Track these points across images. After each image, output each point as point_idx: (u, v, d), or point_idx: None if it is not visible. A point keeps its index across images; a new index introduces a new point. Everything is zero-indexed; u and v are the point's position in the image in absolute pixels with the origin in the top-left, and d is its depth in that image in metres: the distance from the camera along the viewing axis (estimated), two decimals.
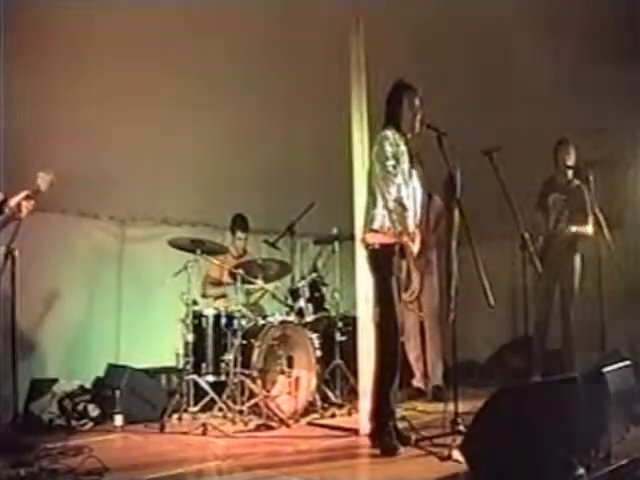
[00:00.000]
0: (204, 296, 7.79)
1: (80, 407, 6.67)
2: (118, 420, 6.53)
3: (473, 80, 7.49)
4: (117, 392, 6.67)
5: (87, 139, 6.93)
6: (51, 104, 6.42)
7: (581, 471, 4.11)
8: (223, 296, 7.62)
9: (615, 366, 4.72)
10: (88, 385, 7.05)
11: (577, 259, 7.23)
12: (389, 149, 5.19)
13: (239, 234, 8.05)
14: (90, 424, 6.59)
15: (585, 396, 4.34)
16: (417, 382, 7.58)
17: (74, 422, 6.58)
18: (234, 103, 7.35)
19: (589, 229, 7.04)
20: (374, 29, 5.99)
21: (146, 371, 7.23)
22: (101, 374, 7.14)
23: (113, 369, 7.14)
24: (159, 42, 6.57)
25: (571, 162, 7.22)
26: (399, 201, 5.13)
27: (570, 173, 7.31)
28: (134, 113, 7.02)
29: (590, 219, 7.02)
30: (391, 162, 5.16)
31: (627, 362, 4.96)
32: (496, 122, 7.51)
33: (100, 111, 6.83)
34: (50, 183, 5.59)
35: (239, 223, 8.07)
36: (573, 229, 7.11)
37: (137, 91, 6.91)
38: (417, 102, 5.37)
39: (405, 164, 5.26)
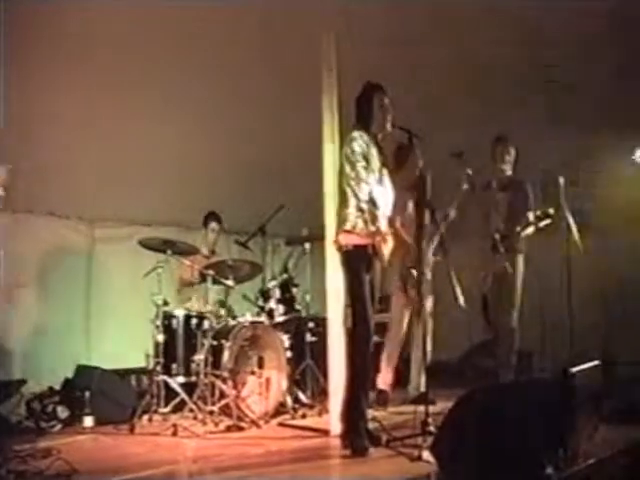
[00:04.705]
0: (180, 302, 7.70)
1: (49, 409, 6.64)
2: (88, 421, 6.51)
3: (445, 80, 7.51)
4: (87, 393, 6.65)
5: (56, 139, 6.90)
6: (22, 101, 6.36)
7: (550, 470, 4.14)
8: (193, 297, 7.58)
9: (584, 366, 4.75)
10: (57, 386, 6.99)
11: (520, 260, 7.13)
12: (358, 150, 5.20)
13: (213, 225, 8.04)
14: (59, 426, 6.56)
15: (554, 396, 4.37)
16: (383, 384, 7.24)
17: (43, 424, 6.54)
18: (205, 103, 7.33)
19: (531, 228, 7.03)
20: (346, 30, 6.00)
21: (116, 372, 7.20)
22: (70, 375, 7.09)
23: (83, 370, 7.09)
24: (136, 40, 6.53)
25: (510, 159, 7.19)
26: (371, 202, 5.15)
27: (510, 170, 7.28)
28: (103, 113, 6.98)
29: (531, 216, 7.01)
30: (361, 163, 5.17)
31: (595, 362, 5.00)
32: (467, 123, 7.55)
33: (70, 111, 6.79)
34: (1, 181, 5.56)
35: (212, 217, 8.07)
36: (517, 228, 7.07)
37: (107, 89, 6.86)
38: (387, 102, 5.39)
39: (376, 164, 5.28)
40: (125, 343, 7.68)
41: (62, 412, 6.64)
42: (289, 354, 7.03)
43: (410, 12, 6.54)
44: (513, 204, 7.16)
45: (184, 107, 7.25)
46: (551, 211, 6.64)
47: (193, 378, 6.70)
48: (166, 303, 6.91)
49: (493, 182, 7.28)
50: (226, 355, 6.54)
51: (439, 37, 6.89)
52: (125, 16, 6.22)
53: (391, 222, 5.51)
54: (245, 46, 6.86)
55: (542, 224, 6.84)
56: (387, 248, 5.27)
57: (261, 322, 7.02)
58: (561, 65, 6.95)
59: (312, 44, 5.93)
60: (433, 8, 6.49)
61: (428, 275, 7.15)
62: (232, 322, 6.93)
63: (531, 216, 6.94)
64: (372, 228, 5.15)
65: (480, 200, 7.19)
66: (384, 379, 7.25)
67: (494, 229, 6.97)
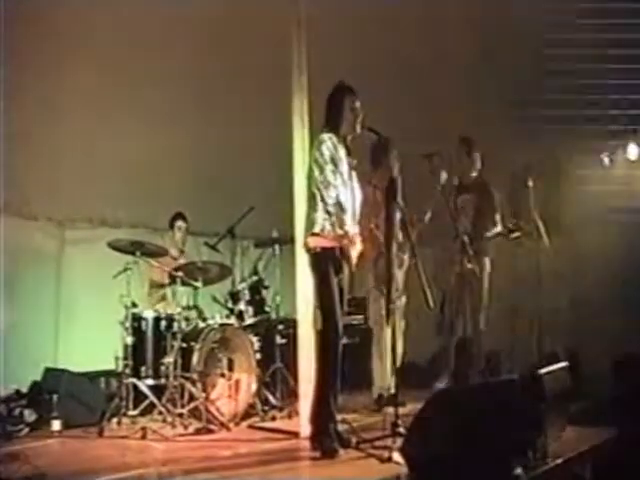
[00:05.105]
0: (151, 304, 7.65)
1: (16, 412, 6.57)
2: (56, 425, 6.43)
3: (414, 82, 7.54)
4: (55, 396, 6.57)
5: (24, 139, 6.83)
6: None
7: (519, 471, 4.17)
8: (163, 299, 7.56)
9: (552, 368, 4.79)
10: (24, 389, 6.93)
11: (487, 262, 7.18)
12: (327, 153, 5.19)
13: (179, 223, 8.02)
14: (26, 430, 6.48)
15: (522, 397, 4.40)
16: (379, 390, 7.04)
17: (9, 428, 6.45)
18: (174, 103, 7.31)
19: (498, 228, 7.05)
20: (316, 30, 5.99)
21: (85, 375, 7.14)
22: (38, 378, 7.01)
23: (51, 373, 7.01)
24: (94, 39, 6.50)
25: (475, 160, 7.23)
26: (339, 205, 5.15)
27: (475, 172, 7.32)
28: (72, 113, 6.94)
29: (498, 217, 7.03)
30: (330, 166, 5.17)
31: (563, 364, 5.04)
32: (435, 123, 7.57)
33: (38, 111, 6.74)
34: None
35: (178, 216, 8.05)
36: (487, 234, 7.08)
37: (74, 92, 6.83)
38: (357, 104, 5.37)
39: (344, 167, 5.28)
40: (94, 345, 7.61)
41: (29, 415, 6.57)
42: (259, 356, 7.01)
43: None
44: (479, 205, 7.20)
45: (154, 110, 7.23)
46: (522, 224, 6.69)
47: (162, 381, 6.66)
48: (135, 305, 6.86)
49: (458, 183, 7.32)
50: (195, 357, 6.52)
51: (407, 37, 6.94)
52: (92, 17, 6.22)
53: (366, 223, 5.51)
54: (215, 47, 6.85)
55: (512, 236, 6.90)
56: (355, 251, 5.29)
57: (231, 324, 7.01)
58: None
59: (284, 44, 5.91)
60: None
61: (400, 276, 7.14)
62: (202, 324, 6.91)
63: (498, 217, 6.98)
64: (340, 231, 5.16)
65: (447, 202, 7.21)
66: (378, 384, 7.09)
67: (462, 231, 6.99)
